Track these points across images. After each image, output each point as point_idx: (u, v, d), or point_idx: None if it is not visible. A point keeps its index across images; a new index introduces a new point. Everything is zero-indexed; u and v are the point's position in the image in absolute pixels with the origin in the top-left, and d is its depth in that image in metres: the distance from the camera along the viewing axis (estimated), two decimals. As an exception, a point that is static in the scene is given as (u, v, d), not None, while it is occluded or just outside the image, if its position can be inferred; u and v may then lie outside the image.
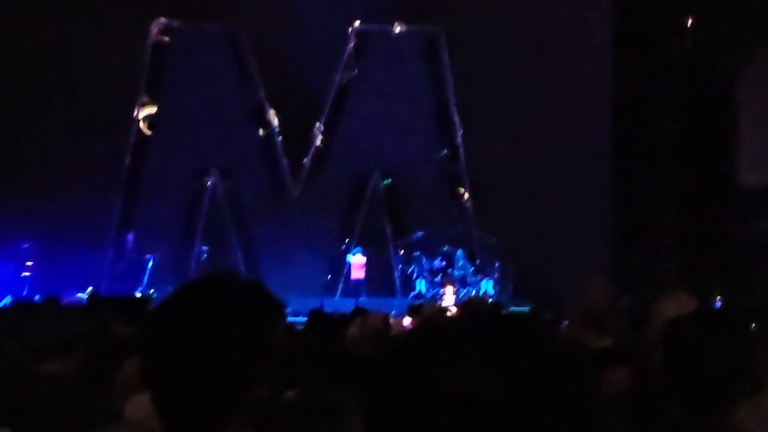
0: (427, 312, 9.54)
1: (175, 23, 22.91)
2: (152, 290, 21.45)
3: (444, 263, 22.53)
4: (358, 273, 22.57)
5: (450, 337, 1.64)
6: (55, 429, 4.00)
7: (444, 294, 21.35)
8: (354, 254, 22.59)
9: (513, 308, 19.07)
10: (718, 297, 11.03)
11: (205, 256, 22.59)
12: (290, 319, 12.00)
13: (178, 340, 2.35)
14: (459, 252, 22.66)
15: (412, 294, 22.19)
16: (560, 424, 1.61)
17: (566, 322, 6.09)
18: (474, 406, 1.57)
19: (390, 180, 23.37)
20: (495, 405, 1.57)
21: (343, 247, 23.13)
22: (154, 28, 22.87)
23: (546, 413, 1.59)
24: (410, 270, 22.73)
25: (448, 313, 14.19)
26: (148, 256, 22.16)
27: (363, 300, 20.26)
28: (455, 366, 1.58)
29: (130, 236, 22.58)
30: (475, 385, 1.57)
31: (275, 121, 23.24)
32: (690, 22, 22.16)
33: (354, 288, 22.32)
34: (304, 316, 11.49)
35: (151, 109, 23.00)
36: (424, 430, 1.59)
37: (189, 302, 2.42)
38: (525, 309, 18.69)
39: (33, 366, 4.51)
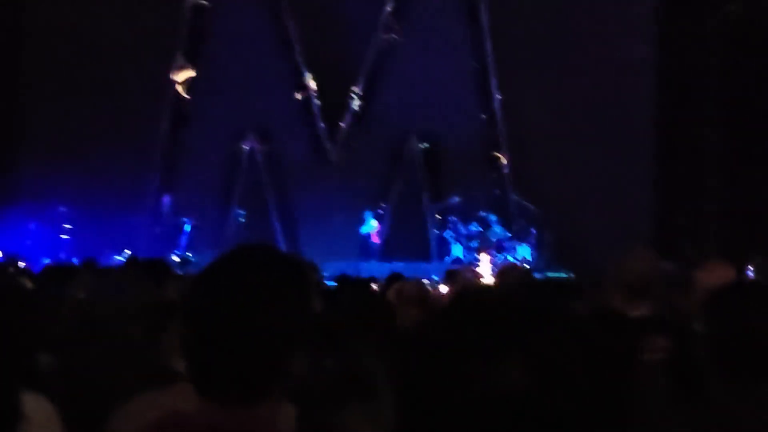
0: (462, 280, 9.50)
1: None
2: (190, 253, 21.57)
3: (480, 228, 22.46)
4: (375, 239, 22.59)
5: (483, 319, 1.62)
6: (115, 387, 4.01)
7: (480, 260, 21.29)
8: (367, 224, 22.52)
9: (549, 274, 19.00)
10: (751, 265, 11.05)
11: (242, 220, 22.66)
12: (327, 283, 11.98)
13: (216, 311, 2.35)
14: (495, 217, 22.59)
15: (447, 258, 22.16)
16: (598, 395, 1.59)
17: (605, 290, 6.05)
18: (506, 389, 1.55)
19: (427, 144, 23.30)
20: (525, 389, 1.55)
21: (380, 211, 23.11)
22: (192, -8, 22.88)
23: (582, 390, 1.57)
24: (446, 234, 22.69)
25: (483, 281, 14.18)
26: (185, 219, 22.26)
27: (399, 265, 20.29)
28: (486, 348, 1.56)
29: (168, 199, 22.67)
30: (507, 370, 1.55)
31: (313, 85, 23.21)
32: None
33: (372, 251, 22.47)
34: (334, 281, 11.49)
35: (190, 73, 23.03)
36: (453, 405, 1.57)
37: (227, 273, 2.42)
38: (562, 275, 18.62)
39: (96, 327, 4.55)
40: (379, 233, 22.54)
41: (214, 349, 2.33)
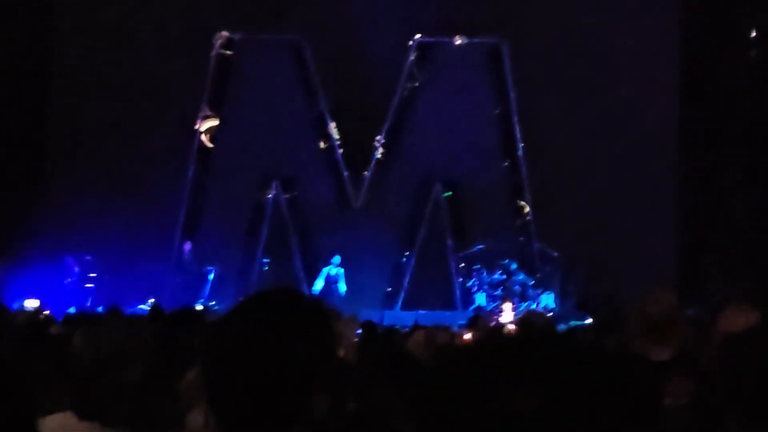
0: (484, 326, 9.51)
1: (238, 36, 23.08)
2: (213, 302, 21.57)
3: (504, 276, 22.42)
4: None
5: (504, 359, 1.64)
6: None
7: (503, 309, 21.23)
8: (318, 280, 22.36)
9: (574, 322, 18.94)
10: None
11: (266, 268, 22.68)
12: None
13: (238, 354, 2.36)
14: (518, 265, 22.55)
15: (471, 307, 22.11)
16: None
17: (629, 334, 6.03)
18: (525, 425, 1.57)
19: (451, 192, 23.32)
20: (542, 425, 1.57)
21: (404, 259, 23.12)
22: (217, 41, 23.03)
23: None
24: (470, 283, 22.65)
25: (506, 329, 14.15)
26: (209, 267, 22.29)
27: (422, 314, 20.26)
28: (508, 389, 1.58)
29: (192, 248, 22.72)
30: (526, 406, 1.57)
31: (336, 133, 23.30)
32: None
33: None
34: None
35: (214, 122, 23.17)
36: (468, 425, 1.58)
37: (250, 316, 2.44)
38: (586, 322, 18.56)
39: (99, 372, 4.57)
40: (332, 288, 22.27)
41: (234, 393, 2.34)
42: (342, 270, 22.25)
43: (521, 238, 23.30)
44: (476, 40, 23.28)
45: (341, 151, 23.31)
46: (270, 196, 23.05)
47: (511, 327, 13.90)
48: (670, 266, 22.20)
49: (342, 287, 22.10)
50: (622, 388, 1.71)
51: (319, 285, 22.21)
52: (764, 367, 3.18)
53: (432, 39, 23.31)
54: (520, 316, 17.66)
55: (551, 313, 20.49)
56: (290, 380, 2.33)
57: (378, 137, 23.29)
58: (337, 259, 22.29)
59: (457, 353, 1.74)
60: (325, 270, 22.33)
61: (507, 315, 20.47)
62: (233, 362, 2.36)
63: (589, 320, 19.13)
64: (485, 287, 22.40)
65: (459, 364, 1.72)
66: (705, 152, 22.29)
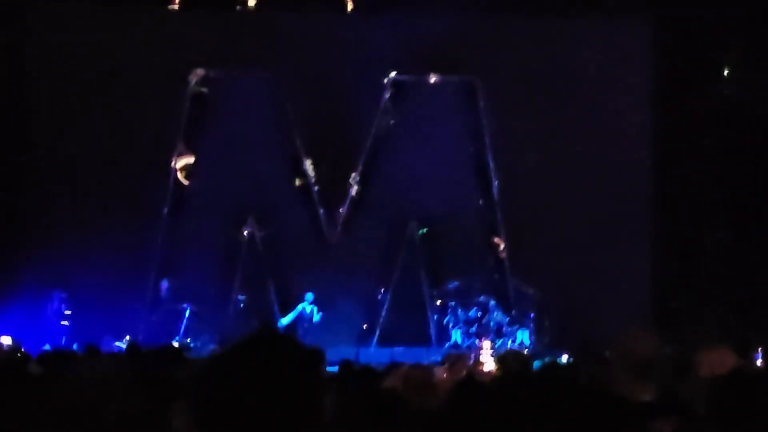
0: (460, 366, 9.53)
1: (213, 73, 23.11)
2: (189, 339, 21.51)
3: (480, 313, 22.46)
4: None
5: (487, 405, 1.67)
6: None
7: (480, 346, 21.26)
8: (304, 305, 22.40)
9: (549, 359, 18.96)
10: (759, 349, 10.95)
11: (242, 305, 22.64)
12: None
13: (230, 395, 2.38)
14: (494, 302, 22.61)
15: (447, 344, 22.13)
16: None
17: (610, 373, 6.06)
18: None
19: (426, 229, 23.37)
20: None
21: (379, 296, 23.12)
22: (192, 79, 23.05)
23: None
24: (446, 319, 22.68)
25: (483, 368, 14.16)
26: (185, 305, 22.23)
27: (398, 350, 20.25)
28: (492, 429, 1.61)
29: (167, 285, 22.66)
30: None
31: (312, 171, 23.33)
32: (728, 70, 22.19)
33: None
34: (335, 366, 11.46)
35: (189, 159, 23.16)
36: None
37: (232, 363, 2.47)
38: (561, 359, 18.59)
39: (77, 409, 4.57)
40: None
41: (227, 428, 2.37)
42: (315, 307, 22.25)
43: (496, 275, 23.35)
44: (450, 77, 23.40)
45: (316, 188, 23.34)
46: (245, 232, 23.02)
47: (490, 366, 13.91)
48: (644, 303, 22.32)
49: (316, 323, 22.10)
50: (607, 429, 1.75)
51: (287, 320, 22.21)
52: (752, 408, 3.22)
53: (407, 77, 23.41)
54: (497, 354, 17.67)
55: (527, 350, 20.56)
56: (279, 423, 2.36)
57: (353, 174, 23.33)
58: (309, 296, 22.28)
59: (443, 399, 1.78)
60: (299, 306, 22.32)
61: (484, 351, 20.49)
62: (225, 402, 2.38)
63: (564, 357, 19.17)
64: (461, 324, 22.44)
65: (443, 405, 1.75)
66: (679, 190, 22.45)
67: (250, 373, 2.43)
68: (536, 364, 11.59)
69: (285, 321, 22.22)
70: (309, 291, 22.37)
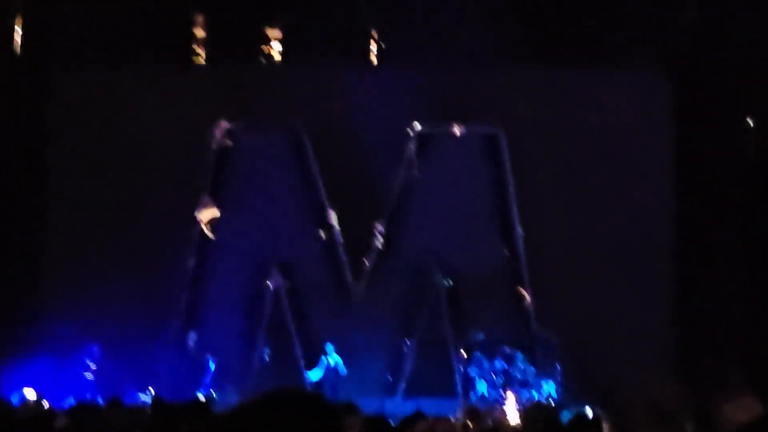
0: (483, 416, 9.47)
1: (237, 127, 23.23)
2: (213, 392, 21.47)
3: (505, 364, 22.35)
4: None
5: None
6: None
7: (505, 398, 21.14)
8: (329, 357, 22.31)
9: (574, 410, 18.82)
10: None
11: (267, 357, 22.61)
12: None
13: None
14: (520, 353, 22.50)
15: (473, 396, 22.01)
16: None
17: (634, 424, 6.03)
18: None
19: (450, 280, 23.33)
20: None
21: (405, 349, 23.05)
22: (218, 132, 23.18)
23: None
24: (471, 371, 22.57)
25: (510, 421, 14.07)
26: (209, 357, 22.22)
27: (424, 402, 20.14)
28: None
29: (192, 337, 22.67)
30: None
31: (336, 222, 23.36)
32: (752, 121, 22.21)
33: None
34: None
35: (215, 212, 23.23)
36: None
37: (255, 417, 2.46)
38: (587, 410, 18.45)
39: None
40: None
41: None
42: (340, 358, 22.19)
43: (521, 326, 23.26)
44: (474, 128, 23.44)
45: (341, 239, 23.36)
46: (270, 284, 23.04)
47: (515, 420, 13.82)
48: (666, 352, 22.20)
49: (342, 375, 22.03)
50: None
51: (317, 375, 22.15)
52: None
53: (431, 129, 23.46)
54: (523, 407, 17.58)
55: (553, 402, 20.43)
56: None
57: (378, 226, 23.34)
58: (330, 347, 22.22)
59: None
60: (324, 360, 22.26)
61: (510, 403, 20.37)
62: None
63: (589, 408, 19.02)
64: (486, 375, 22.32)
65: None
66: (702, 240, 22.40)
67: (272, 429, 2.43)
68: (563, 414, 11.52)
69: (314, 376, 22.15)
70: (331, 342, 22.32)
